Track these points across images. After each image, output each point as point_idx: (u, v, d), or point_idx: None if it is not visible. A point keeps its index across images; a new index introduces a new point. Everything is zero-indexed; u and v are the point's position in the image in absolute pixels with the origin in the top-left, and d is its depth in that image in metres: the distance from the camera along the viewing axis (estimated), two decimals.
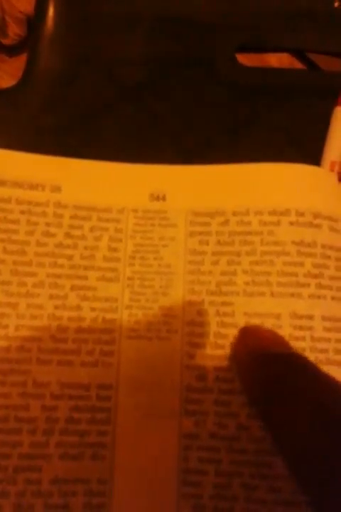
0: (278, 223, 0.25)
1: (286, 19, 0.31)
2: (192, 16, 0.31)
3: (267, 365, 0.20)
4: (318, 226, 0.25)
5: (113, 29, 0.31)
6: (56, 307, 0.24)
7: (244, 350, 0.22)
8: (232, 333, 0.24)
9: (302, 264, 0.25)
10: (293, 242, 0.25)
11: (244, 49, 0.31)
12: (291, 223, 0.25)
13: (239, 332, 0.23)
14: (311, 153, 0.30)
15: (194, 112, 0.30)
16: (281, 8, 0.31)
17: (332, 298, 0.24)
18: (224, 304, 0.25)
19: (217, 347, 0.24)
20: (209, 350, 0.24)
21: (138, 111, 0.30)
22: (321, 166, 0.29)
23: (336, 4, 0.32)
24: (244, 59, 0.33)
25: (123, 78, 0.30)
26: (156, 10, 0.31)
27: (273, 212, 0.25)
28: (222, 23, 0.31)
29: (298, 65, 0.34)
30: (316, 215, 0.25)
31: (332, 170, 0.29)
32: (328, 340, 0.24)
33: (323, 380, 0.18)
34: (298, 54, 0.33)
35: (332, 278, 0.25)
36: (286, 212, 0.25)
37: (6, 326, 0.24)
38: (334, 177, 0.27)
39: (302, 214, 0.25)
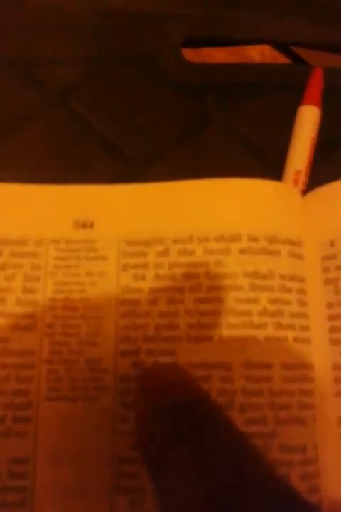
0: (226, 251, 0.22)
1: (240, 7, 0.28)
2: (130, 8, 0.28)
3: (165, 418, 0.17)
4: (275, 253, 0.22)
5: (35, 25, 0.27)
6: None
7: (142, 399, 0.18)
8: None
9: (256, 301, 0.21)
10: (245, 274, 0.21)
11: (192, 43, 0.28)
12: (242, 251, 0.22)
13: (136, 378, 0.19)
14: (273, 160, 0.27)
15: (134, 117, 0.27)
16: None
17: (295, 340, 0.21)
18: (164, 352, 0.21)
19: None
20: None
21: (65, 120, 0.26)
22: (284, 175, 0.26)
23: None
24: (220, 53, 0.30)
25: (49, 81, 0.27)
26: (88, 2, 0.28)
27: (220, 238, 0.22)
28: (165, 14, 0.28)
29: (281, 58, 0.31)
30: (272, 240, 0.22)
31: (296, 180, 0.26)
32: (290, 392, 0.20)
33: (232, 442, 0.15)
34: (281, 46, 0.30)
35: (294, 315, 0.21)
36: (236, 238, 0.22)
37: None
38: (296, 192, 0.24)
39: (255, 239, 0.22)
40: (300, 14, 0.29)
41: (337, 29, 0.29)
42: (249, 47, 0.30)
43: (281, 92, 0.28)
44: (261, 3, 0.28)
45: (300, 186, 0.26)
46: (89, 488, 0.20)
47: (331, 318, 0.22)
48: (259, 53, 0.30)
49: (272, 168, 0.27)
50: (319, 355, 0.22)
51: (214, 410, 0.16)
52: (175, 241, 0.22)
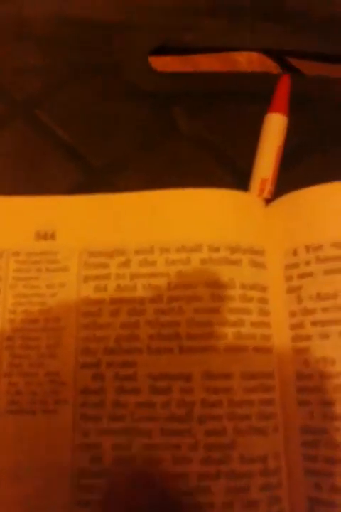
0: (187, 262, 0.22)
1: (204, 15, 0.28)
2: (95, 17, 0.28)
3: None
4: (236, 262, 0.22)
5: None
6: None
7: None
8: (134, 400, 0.21)
9: (217, 311, 0.21)
10: (206, 284, 0.21)
11: (160, 52, 0.28)
12: (203, 261, 0.22)
13: None
14: (242, 169, 0.27)
15: (99, 127, 0.27)
16: (198, 2, 0.28)
17: (255, 349, 0.21)
18: (124, 364, 0.21)
19: (116, 419, 0.20)
20: (106, 424, 0.20)
21: (30, 130, 0.26)
22: (251, 184, 0.26)
23: None
24: (212, 60, 0.29)
25: (13, 91, 0.27)
26: (51, 12, 0.28)
27: (181, 249, 0.22)
28: (131, 23, 0.28)
29: (270, 64, 0.31)
30: (234, 249, 0.22)
31: (262, 189, 0.26)
32: (250, 403, 0.20)
33: None
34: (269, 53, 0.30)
35: (254, 324, 0.21)
36: (197, 248, 0.22)
37: None
38: (259, 201, 0.24)
39: (216, 249, 0.22)
40: (265, 22, 0.29)
41: (302, 36, 0.29)
42: (235, 53, 0.30)
43: (250, 100, 0.28)
44: (226, 13, 0.28)
45: (266, 194, 0.26)
46: (48, 502, 0.20)
47: (294, 326, 0.22)
48: (246, 59, 0.31)
49: (241, 176, 0.27)
50: (282, 364, 0.22)
51: None
52: (137, 252, 0.22)
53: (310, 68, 0.31)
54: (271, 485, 0.20)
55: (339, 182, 0.22)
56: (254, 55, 0.30)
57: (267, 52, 0.30)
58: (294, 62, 0.31)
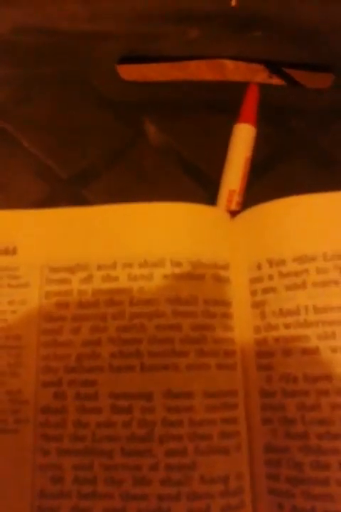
0: (150, 277, 0.21)
1: (173, 22, 0.28)
2: (61, 26, 0.27)
3: None
4: (199, 277, 0.21)
5: None
6: None
7: None
8: (95, 420, 0.20)
9: (179, 327, 0.21)
10: (168, 300, 0.21)
11: (127, 60, 0.28)
12: (165, 276, 0.21)
13: None
14: (210, 180, 0.27)
15: (66, 138, 0.26)
16: (167, 9, 0.28)
17: (218, 366, 0.21)
18: (85, 383, 0.21)
19: (77, 439, 0.20)
20: (67, 444, 0.20)
21: None
22: (219, 195, 0.26)
23: (233, 3, 0.28)
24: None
25: None
26: (17, 21, 0.27)
27: (144, 264, 0.22)
28: (97, 32, 0.28)
29: (263, 73, 0.30)
30: (196, 264, 0.22)
31: (230, 201, 0.25)
32: (212, 422, 0.20)
33: None
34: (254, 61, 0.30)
35: (217, 341, 0.21)
36: (160, 263, 0.21)
37: None
38: (224, 214, 0.23)
39: (178, 264, 0.21)
40: (229, 30, 0.29)
41: (275, 45, 0.29)
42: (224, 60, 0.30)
43: (219, 110, 0.28)
44: (195, 21, 0.28)
45: (234, 206, 0.25)
46: None
47: (258, 342, 0.21)
48: (234, 66, 0.30)
49: (209, 187, 0.26)
50: (247, 381, 0.21)
51: None
52: (99, 267, 0.22)
53: (283, 77, 0.31)
54: (232, 506, 0.20)
55: (302, 195, 0.22)
56: (243, 67, 0.30)
57: (254, 61, 0.29)
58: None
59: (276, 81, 0.29)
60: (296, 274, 0.21)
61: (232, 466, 0.20)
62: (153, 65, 0.28)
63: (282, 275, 0.21)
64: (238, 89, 0.28)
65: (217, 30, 0.29)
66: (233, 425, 0.20)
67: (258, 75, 0.30)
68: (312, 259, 0.21)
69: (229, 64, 0.30)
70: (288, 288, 0.21)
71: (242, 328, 0.22)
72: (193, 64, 0.30)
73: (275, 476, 0.20)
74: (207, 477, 0.20)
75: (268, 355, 0.21)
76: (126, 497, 0.19)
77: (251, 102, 0.27)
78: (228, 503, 0.20)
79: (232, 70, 0.30)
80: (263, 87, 0.28)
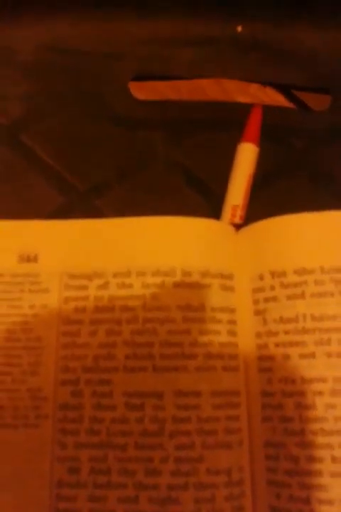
0: (161, 285, 0.23)
1: (182, 45, 0.30)
2: (78, 46, 0.29)
3: None
4: (207, 286, 0.23)
5: None
6: None
7: None
8: (110, 416, 0.22)
9: (188, 332, 0.23)
10: (178, 307, 0.23)
11: (139, 78, 0.30)
12: (176, 285, 0.23)
13: None
14: (216, 194, 0.29)
15: (81, 153, 0.28)
16: (176, 33, 0.30)
17: (224, 368, 0.23)
18: (101, 382, 0.22)
19: (93, 433, 0.22)
20: (83, 438, 0.22)
21: (12, 154, 0.28)
22: (223, 210, 0.28)
23: (239, 29, 0.30)
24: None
25: None
26: (36, 40, 0.29)
27: (156, 273, 0.23)
28: (112, 51, 0.29)
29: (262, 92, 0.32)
30: (204, 274, 0.23)
31: (233, 215, 0.27)
32: (217, 419, 0.22)
33: None
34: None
35: (223, 345, 0.23)
36: (171, 272, 0.23)
37: None
38: (229, 228, 0.25)
39: (188, 273, 0.23)
40: (244, 53, 0.30)
41: (273, 68, 0.31)
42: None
43: (225, 128, 0.29)
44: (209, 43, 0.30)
45: (237, 219, 0.27)
46: (28, 511, 0.21)
47: (260, 347, 0.23)
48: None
49: (215, 202, 0.28)
50: (248, 382, 0.23)
51: None
52: (115, 275, 0.24)
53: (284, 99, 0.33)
54: (234, 495, 0.21)
55: (302, 213, 0.24)
56: (231, 83, 0.32)
57: (270, 84, 0.31)
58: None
59: (275, 100, 0.31)
60: (296, 285, 0.23)
61: (235, 459, 0.22)
62: (163, 83, 0.30)
63: (283, 286, 0.23)
64: (241, 109, 0.30)
65: (219, 52, 0.31)
66: (236, 422, 0.22)
67: (254, 87, 0.32)
68: (311, 271, 0.23)
69: (230, 83, 0.32)
70: (288, 297, 0.23)
71: (245, 333, 0.24)
72: (198, 83, 0.31)
73: (273, 469, 0.22)
74: (213, 469, 0.21)
75: (268, 358, 0.23)
76: (138, 487, 0.21)
77: (254, 123, 0.29)
78: (231, 493, 0.21)
79: (233, 90, 0.32)
80: (265, 107, 0.30)
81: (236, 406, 0.23)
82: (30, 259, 0.24)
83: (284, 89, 0.32)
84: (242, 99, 0.31)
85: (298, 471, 0.21)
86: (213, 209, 0.28)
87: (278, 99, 0.31)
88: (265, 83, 0.32)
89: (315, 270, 0.23)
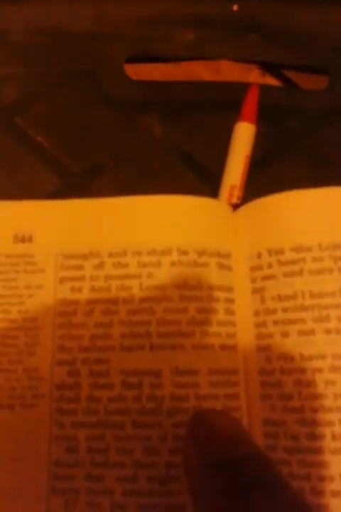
0: (158, 264, 0.23)
1: (178, 25, 0.29)
2: (72, 27, 0.29)
3: (220, 477, 0.16)
4: (204, 265, 0.23)
5: None
6: None
7: (194, 454, 0.17)
8: (107, 395, 0.22)
9: (185, 310, 0.23)
10: (175, 286, 0.23)
11: (134, 59, 0.29)
12: (173, 263, 0.23)
13: (188, 423, 0.18)
14: (213, 176, 0.28)
15: (76, 135, 0.28)
16: (171, 13, 0.29)
17: (221, 347, 0.23)
18: (98, 361, 0.22)
19: (90, 413, 0.22)
20: (80, 417, 0.22)
21: (6, 137, 0.27)
22: (221, 190, 0.28)
23: (235, 8, 0.30)
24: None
25: None
26: (30, 21, 0.29)
27: (152, 252, 0.23)
28: (107, 32, 0.29)
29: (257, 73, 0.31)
30: (201, 253, 0.23)
31: (231, 195, 0.27)
32: (216, 397, 0.22)
33: (284, 505, 0.15)
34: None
35: (221, 323, 0.23)
36: (167, 252, 0.23)
37: None
38: (226, 207, 0.25)
39: (184, 252, 0.23)
40: (240, 33, 0.30)
41: (274, 47, 0.31)
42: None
43: (221, 109, 0.29)
44: (200, 23, 0.30)
45: (235, 200, 0.27)
46: (26, 490, 0.21)
47: (258, 325, 0.23)
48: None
49: (212, 184, 0.28)
50: (246, 360, 0.23)
51: (267, 469, 0.16)
52: (111, 254, 0.24)
53: (279, 78, 0.33)
54: None
55: (299, 190, 0.24)
56: (238, 66, 0.32)
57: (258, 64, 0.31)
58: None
59: (271, 81, 0.31)
60: (294, 262, 0.23)
61: None
62: (158, 65, 0.30)
63: (280, 263, 0.23)
64: (238, 89, 0.29)
65: (216, 33, 0.31)
66: (234, 401, 0.22)
67: (253, 75, 0.32)
68: (309, 248, 0.23)
69: (225, 64, 0.32)
70: (286, 275, 0.23)
71: (243, 312, 0.24)
72: (193, 65, 0.31)
73: (272, 447, 0.22)
74: None
75: (267, 336, 0.23)
76: (136, 465, 0.21)
77: (251, 102, 0.29)
78: None
79: (228, 71, 0.32)
80: (262, 88, 0.29)
81: (234, 384, 0.22)
82: (25, 239, 0.24)
83: (279, 72, 0.32)
84: (239, 79, 0.31)
85: (298, 448, 0.21)
86: (210, 191, 0.28)
87: (274, 80, 0.31)
88: (261, 64, 0.32)
89: (313, 247, 0.23)
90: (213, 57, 0.31)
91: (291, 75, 0.32)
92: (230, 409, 0.22)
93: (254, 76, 0.31)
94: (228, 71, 0.31)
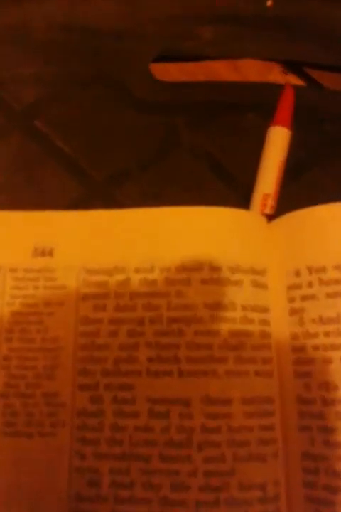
0: (188, 282, 0.21)
1: (206, 23, 0.28)
2: (96, 25, 0.27)
3: None
4: (237, 282, 0.21)
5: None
6: None
7: None
8: (132, 424, 0.20)
9: (217, 333, 0.21)
10: (206, 305, 0.21)
11: (161, 59, 0.28)
12: (204, 281, 0.21)
13: None
14: (243, 184, 0.27)
15: (100, 138, 0.26)
16: (199, 10, 0.28)
17: (256, 373, 0.21)
18: (122, 387, 0.21)
19: (114, 443, 0.20)
20: (104, 448, 0.20)
21: (26, 141, 0.26)
22: (253, 199, 0.26)
23: (268, 3, 0.28)
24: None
25: (12, 101, 0.26)
26: (53, 19, 0.27)
27: (182, 268, 0.21)
28: (133, 30, 0.28)
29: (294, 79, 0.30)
30: (235, 269, 0.22)
31: (263, 204, 0.25)
32: (250, 429, 0.20)
33: None
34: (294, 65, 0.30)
35: (255, 348, 0.21)
36: (198, 268, 0.21)
37: None
38: (261, 219, 0.23)
39: (217, 269, 0.21)
40: (268, 30, 0.28)
41: (304, 46, 0.29)
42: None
43: (253, 111, 0.27)
44: (228, 21, 0.28)
45: (268, 210, 0.25)
46: None
47: (295, 350, 0.21)
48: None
49: (243, 192, 0.26)
50: (283, 388, 0.21)
51: None
52: (137, 270, 0.22)
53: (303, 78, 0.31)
54: None
55: None
56: (258, 64, 0.30)
57: (280, 62, 0.29)
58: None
59: (293, 80, 0.29)
60: (337, 281, 0.21)
61: (269, 472, 0.20)
62: (182, 64, 0.28)
63: (322, 282, 0.21)
64: (268, 90, 0.28)
65: (244, 29, 0.29)
66: (270, 432, 0.20)
67: (273, 73, 0.29)
68: None
69: (246, 63, 0.30)
70: (329, 296, 0.21)
71: (279, 335, 0.22)
72: (215, 64, 0.29)
73: (312, 484, 0.20)
74: (245, 483, 0.20)
75: (306, 362, 0.21)
76: (164, 502, 0.19)
77: (286, 104, 0.27)
78: (265, 510, 0.20)
79: (247, 69, 0.30)
80: (297, 89, 0.27)
81: (270, 414, 0.21)
82: (45, 253, 0.22)
83: (302, 70, 0.30)
84: (259, 79, 0.29)
85: (340, 487, 0.19)
86: (241, 199, 0.26)
87: (297, 79, 0.29)
88: (287, 64, 0.30)
89: None
90: (237, 55, 0.29)
91: (315, 73, 0.30)
92: (265, 441, 0.20)
93: (274, 75, 0.29)
94: (248, 69, 0.29)
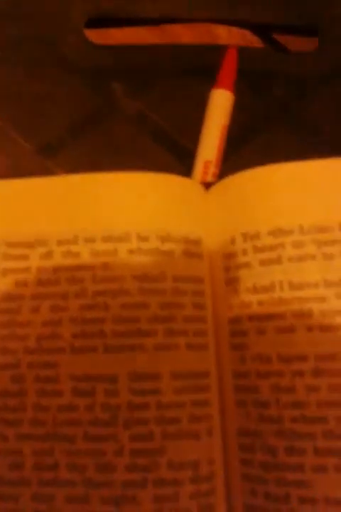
0: (114, 253, 0.20)
1: None
2: None
3: None
4: (168, 253, 0.20)
5: None
6: None
7: None
8: (56, 403, 0.19)
9: (145, 305, 0.20)
10: (134, 277, 0.20)
11: (97, 23, 0.26)
12: (131, 251, 0.20)
13: None
14: (185, 150, 0.25)
15: (29, 106, 0.25)
16: None
17: (188, 346, 0.20)
18: (46, 365, 0.19)
19: (37, 423, 0.19)
20: (26, 429, 0.19)
21: None
22: (195, 166, 0.25)
23: None
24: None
25: None
26: None
27: (108, 239, 0.20)
28: None
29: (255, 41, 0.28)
30: (165, 239, 0.20)
31: (205, 172, 0.24)
32: (181, 405, 0.19)
33: None
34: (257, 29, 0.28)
35: (187, 319, 0.20)
36: (125, 238, 0.20)
37: None
38: (197, 185, 0.22)
39: (145, 238, 0.20)
40: None
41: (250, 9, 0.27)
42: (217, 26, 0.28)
43: (195, 75, 0.26)
44: None
45: (210, 177, 0.24)
46: None
47: (231, 321, 0.20)
48: (227, 32, 0.28)
49: (185, 160, 0.25)
50: (220, 362, 0.20)
51: None
52: (60, 242, 0.20)
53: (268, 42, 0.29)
54: (202, 492, 0.19)
55: (278, 164, 0.20)
56: (201, 27, 0.28)
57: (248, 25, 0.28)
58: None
59: (257, 43, 0.28)
60: (271, 248, 0.20)
61: (203, 450, 0.19)
62: (127, 29, 0.27)
63: (256, 249, 0.20)
64: (214, 53, 0.26)
65: None
66: (204, 408, 0.19)
67: (233, 36, 0.28)
68: (288, 232, 0.20)
69: (202, 27, 0.28)
70: (263, 263, 0.20)
71: (215, 306, 0.21)
72: (172, 27, 0.28)
73: (248, 462, 0.19)
74: (176, 462, 0.18)
75: (241, 334, 0.20)
76: (89, 484, 0.18)
77: (229, 67, 0.25)
78: (198, 490, 0.19)
79: (205, 32, 0.28)
80: (242, 51, 0.26)
81: (204, 389, 0.20)
82: None
83: (264, 32, 0.29)
84: (215, 42, 0.27)
85: (276, 464, 0.18)
86: (185, 169, 0.25)
87: (256, 41, 0.28)
88: (243, 25, 0.28)
89: (294, 230, 0.20)
90: (187, 18, 0.28)
91: (280, 38, 0.29)
92: (199, 418, 0.19)
93: (234, 37, 0.28)
94: (205, 33, 0.28)
